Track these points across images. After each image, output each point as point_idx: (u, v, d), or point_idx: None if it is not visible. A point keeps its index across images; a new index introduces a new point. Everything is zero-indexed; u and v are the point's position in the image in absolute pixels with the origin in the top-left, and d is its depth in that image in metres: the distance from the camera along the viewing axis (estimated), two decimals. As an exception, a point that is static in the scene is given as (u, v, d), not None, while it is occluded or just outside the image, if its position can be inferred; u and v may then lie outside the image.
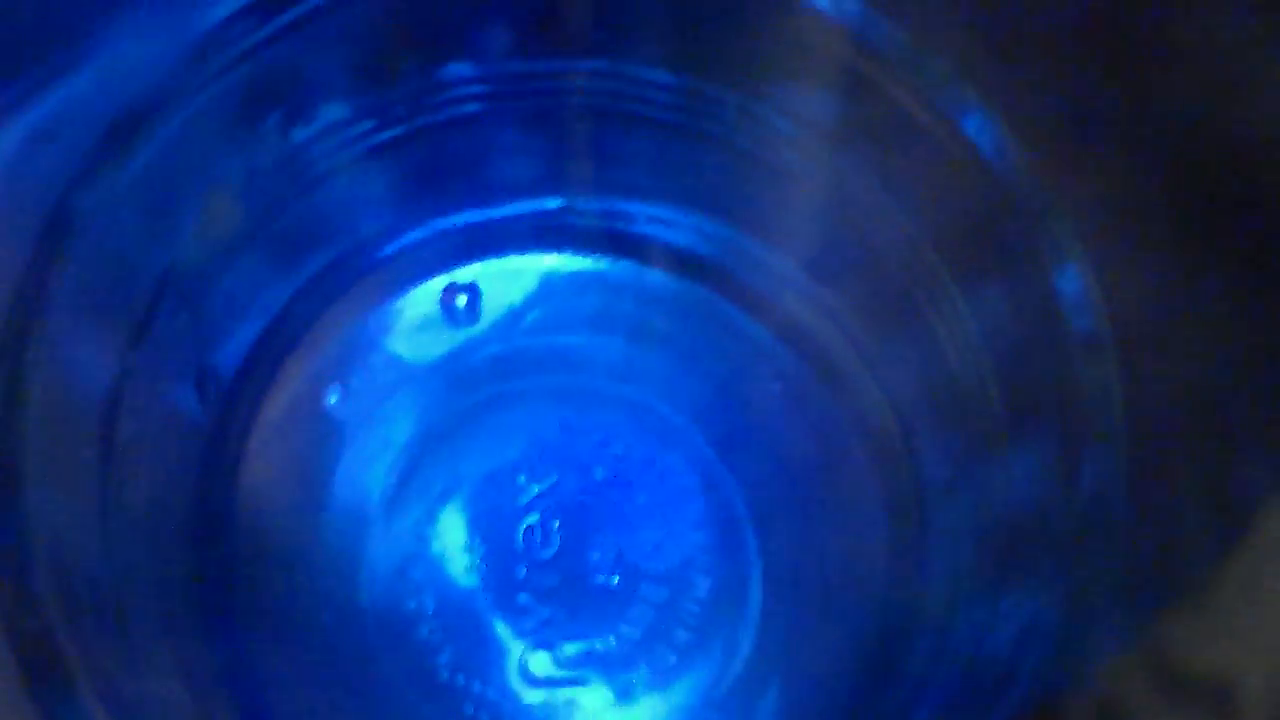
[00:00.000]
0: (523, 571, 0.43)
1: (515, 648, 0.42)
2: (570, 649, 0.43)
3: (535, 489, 0.43)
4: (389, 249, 0.44)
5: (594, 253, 0.45)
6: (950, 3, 0.37)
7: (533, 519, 0.43)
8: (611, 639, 0.43)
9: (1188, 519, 0.36)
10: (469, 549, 0.43)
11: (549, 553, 0.43)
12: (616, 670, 0.43)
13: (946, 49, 0.36)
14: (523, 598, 0.43)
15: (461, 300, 0.44)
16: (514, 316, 0.44)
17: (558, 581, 0.43)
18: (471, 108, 0.41)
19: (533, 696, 0.42)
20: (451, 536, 0.43)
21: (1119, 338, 0.35)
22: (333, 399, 0.43)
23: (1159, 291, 0.36)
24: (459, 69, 0.40)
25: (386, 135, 0.41)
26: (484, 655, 0.42)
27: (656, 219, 0.44)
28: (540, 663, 0.42)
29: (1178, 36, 0.36)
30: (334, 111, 0.40)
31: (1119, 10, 0.36)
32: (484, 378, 0.44)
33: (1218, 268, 0.37)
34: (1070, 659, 0.34)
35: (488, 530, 0.43)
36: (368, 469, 0.43)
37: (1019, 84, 0.36)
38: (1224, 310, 0.37)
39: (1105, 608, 0.34)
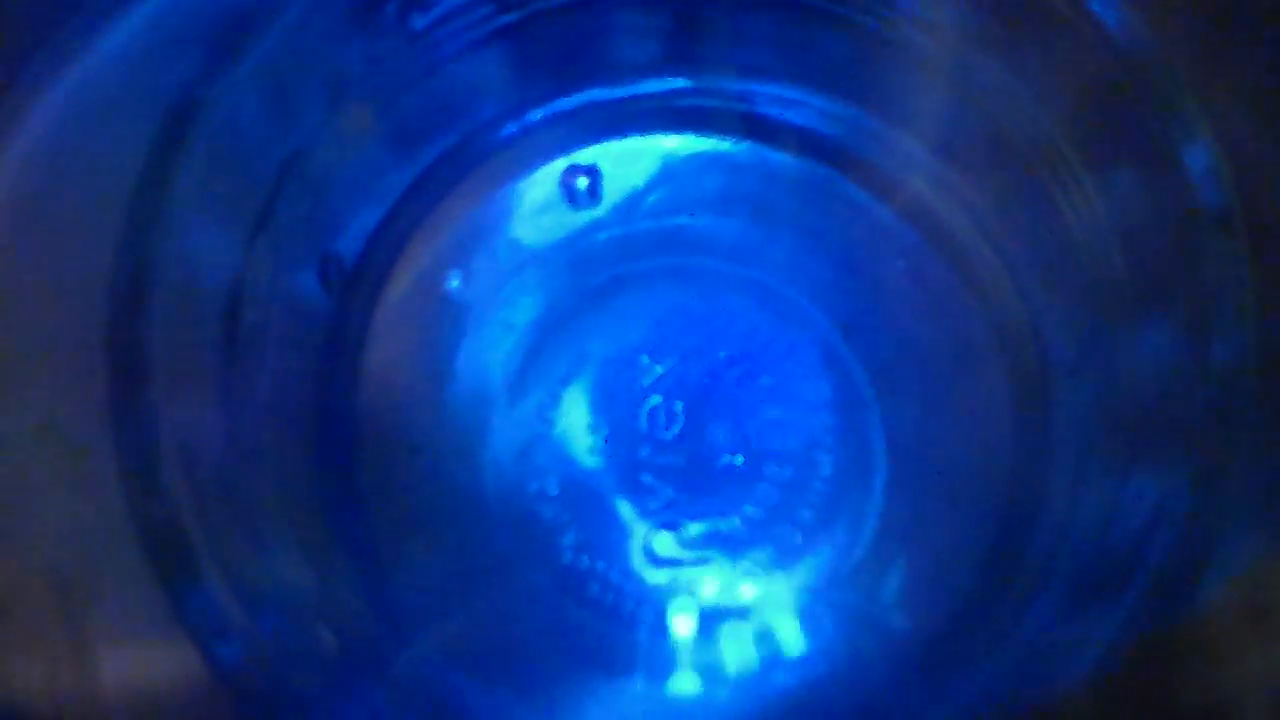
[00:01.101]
0: (646, 452, 0.43)
1: (639, 528, 0.43)
2: (694, 529, 0.43)
3: (658, 370, 0.43)
4: (509, 132, 0.44)
5: (717, 133, 0.44)
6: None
7: (656, 400, 0.43)
8: (735, 519, 0.43)
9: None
10: (592, 430, 0.43)
11: (672, 433, 0.43)
12: (741, 550, 0.43)
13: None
14: (646, 478, 0.43)
15: (582, 182, 0.44)
16: (635, 198, 0.44)
17: (682, 462, 0.43)
18: (591, -12, 0.41)
19: (657, 577, 0.43)
20: (575, 418, 0.43)
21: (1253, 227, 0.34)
22: (454, 283, 0.43)
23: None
24: (578, -50, 0.40)
25: (505, 19, 0.40)
26: (608, 536, 0.43)
27: (781, 99, 0.44)
28: (664, 543, 0.43)
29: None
30: (453, -3, 0.39)
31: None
32: (605, 260, 0.44)
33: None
34: (1198, 548, 0.34)
35: (611, 411, 0.43)
36: (490, 352, 0.43)
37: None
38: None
39: (1241, 504, 0.34)
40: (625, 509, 0.43)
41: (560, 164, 0.44)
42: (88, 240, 0.34)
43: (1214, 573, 0.33)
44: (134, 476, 0.33)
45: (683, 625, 0.42)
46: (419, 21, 0.39)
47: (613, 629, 0.42)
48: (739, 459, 0.43)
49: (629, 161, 0.44)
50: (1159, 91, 0.35)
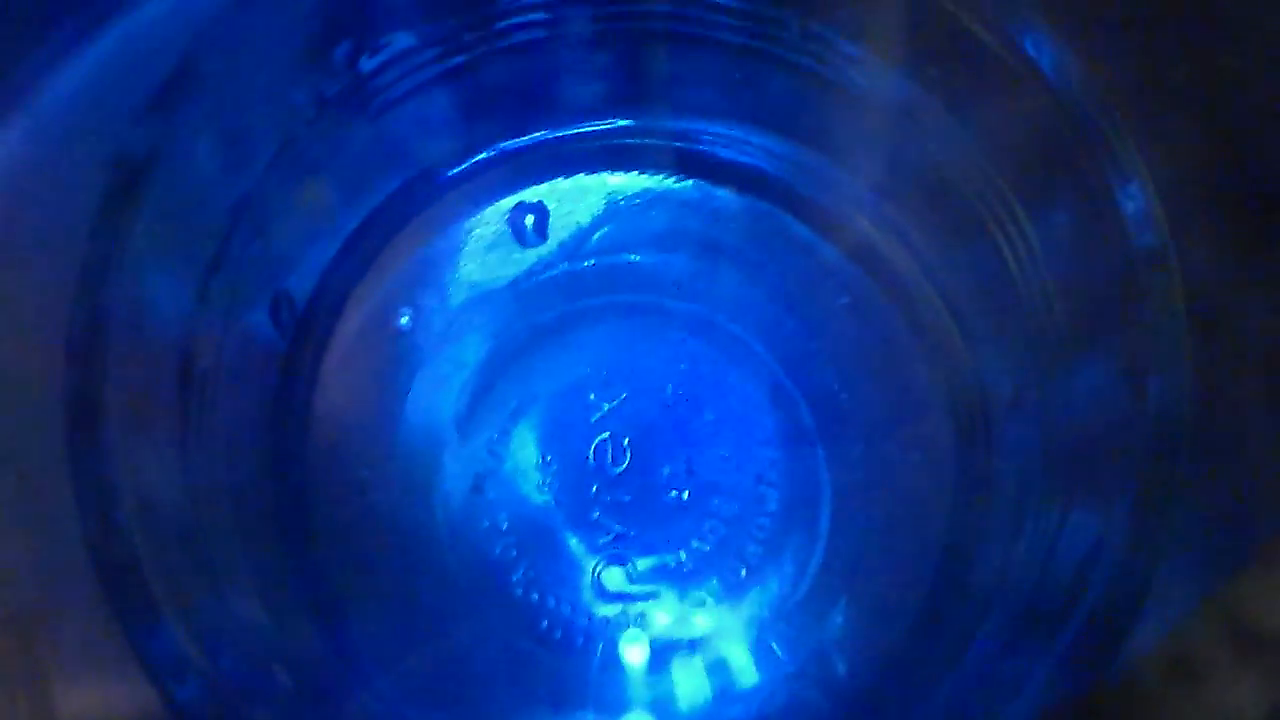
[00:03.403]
0: (595, 488, 0.43)
1: (588, 563, 0.43)
2: (643, 564, 0.43)
3: (606, 406, 0.44)
4: (457, 171, 0.44)
5: (661, 172, 0.45)
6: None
7: (604, 436, 0.43)
8: (683, 553, 0.43)
9: (1263, 468, 0.36)
10: (541, 467, 0.43)
11: (620, 469, 0.43)
12: (688, 584, 0.43)
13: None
14: (595, 514, 0.43)
15: (529, 220, 0.44)
16: (582, 235, 0.45)
17: (629, 497, 0.43)
18: (536, 33, 0.41)
19: (606, 610, 0.43)
20: (524, 454, 0.44)
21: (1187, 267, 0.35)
22: (404, 320, 0.44)
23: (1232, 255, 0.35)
24: (524, -7, 0.40)
25: (453, 62, 0.41)
26: (557, 571, 0.43)
27: (723, 138, 0.44)
28: (613, 578, 0.43)
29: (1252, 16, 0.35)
30: (401, 40, 0.40)
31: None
32: (553, 297, 0.44)
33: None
34: (1135, 585, 0.34)
35: (560, 448, 0.44)
36: (440, 389, 0.44)
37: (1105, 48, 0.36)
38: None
39: (1175, 547, 0.34)
40: (574, 544, 0.43)
41: (508, 202, 0.44)
42: (45, 282, 0.34)
43: (1151, 612, 0.34)
44: (91, 517, 0.33)
45: (632, 659, 0.43)
46: (367, 64, 0.39)
47: (563, 663, 0.43)
48: (686, 494, 0.43)
49: (575, 199, 0.45)
50: (1095, 135, 0.35)
